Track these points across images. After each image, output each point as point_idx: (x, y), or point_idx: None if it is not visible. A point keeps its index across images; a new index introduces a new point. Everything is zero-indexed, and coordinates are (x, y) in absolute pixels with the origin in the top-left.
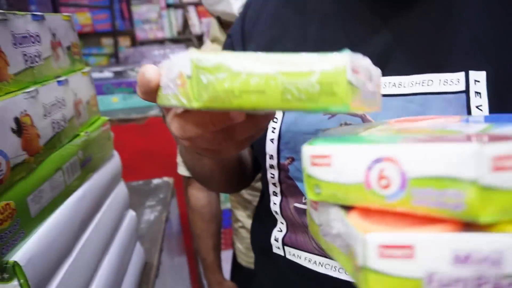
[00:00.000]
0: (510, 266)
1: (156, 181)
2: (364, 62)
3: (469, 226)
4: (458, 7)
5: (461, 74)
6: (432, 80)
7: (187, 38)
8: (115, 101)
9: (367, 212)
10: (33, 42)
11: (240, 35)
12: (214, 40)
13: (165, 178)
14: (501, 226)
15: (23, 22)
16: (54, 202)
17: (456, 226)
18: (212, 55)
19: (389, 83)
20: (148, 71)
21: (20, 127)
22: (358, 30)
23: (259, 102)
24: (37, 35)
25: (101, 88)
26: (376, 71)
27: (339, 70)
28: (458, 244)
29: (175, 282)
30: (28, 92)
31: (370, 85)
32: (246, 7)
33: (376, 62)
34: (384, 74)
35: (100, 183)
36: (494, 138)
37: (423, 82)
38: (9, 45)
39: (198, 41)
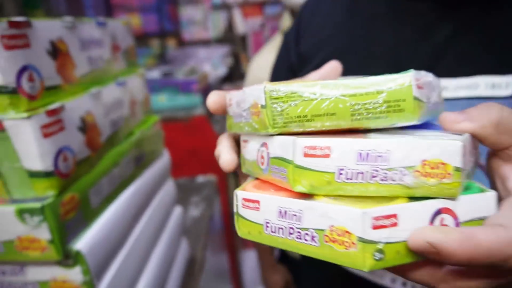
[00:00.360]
0: (307, 222)
1: (200, 178)
2: (426, 77)
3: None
4: None
5: (511, 77)
6: (478, 84)
7: (231, 39)
8: (161, 100)
9: (263, 181)
10: (96, 46)
11: (294, 36)
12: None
13: (209, 176)
14: (317, 197)
15: (88, 28)
16: (111, 196)
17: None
18: (283, 86)
19: None
20: (208, 100)
21: (85, 126)
22: (407, 31)
23: (330, 124)
24: (100, 40)
25: (149, 87)
26: (436, 81)
27: (405, 87)
28: (280, 203)
29: (216, 277)
30: (93, 93)
31: (434, 98)
32: (302, 8)
33: (424, 64)
34: None
35: (151, 179)
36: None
37: (469, 86)
38: (76, 49)
39: (242, 41)
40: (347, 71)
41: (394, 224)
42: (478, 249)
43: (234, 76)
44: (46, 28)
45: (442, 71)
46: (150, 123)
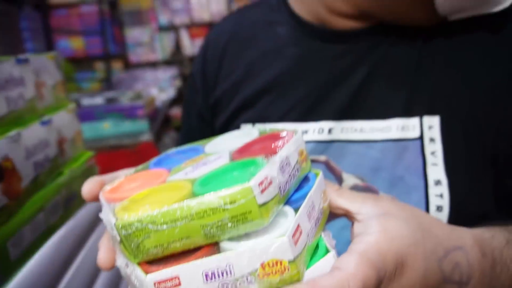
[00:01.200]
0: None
1: None
2: (272, 170)
3: None
4: (427, 55)
5: (416, 120)
6: (391, 127)
7: (179, 60)
8: (106, 127)
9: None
10: (16, 85)
11: (201, 77)
12: None
13: None
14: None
15: (6, 66)
16: (34, 244)
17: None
18: (132, 217)
19: (351, 128)
20: (83, 189)
21: (1, 173)
22: (326, 73)
23: (188, 245)
24: (21, 78)
25: (92, 114)
26: (293, 147)
27: (247, 201)
28: None
29: None
30: (10, 136)
31: (290, 170)
32: (205, 48)
33: (341, 106)
34: (347, 118)
35: (85, 218)
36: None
37: (382, 129)
38: None
39: (190, 62)
40: (266, 115)
41: None
42: None
43: (183, 99)
44: None
45: (358, 114)
46: (83, 160)
